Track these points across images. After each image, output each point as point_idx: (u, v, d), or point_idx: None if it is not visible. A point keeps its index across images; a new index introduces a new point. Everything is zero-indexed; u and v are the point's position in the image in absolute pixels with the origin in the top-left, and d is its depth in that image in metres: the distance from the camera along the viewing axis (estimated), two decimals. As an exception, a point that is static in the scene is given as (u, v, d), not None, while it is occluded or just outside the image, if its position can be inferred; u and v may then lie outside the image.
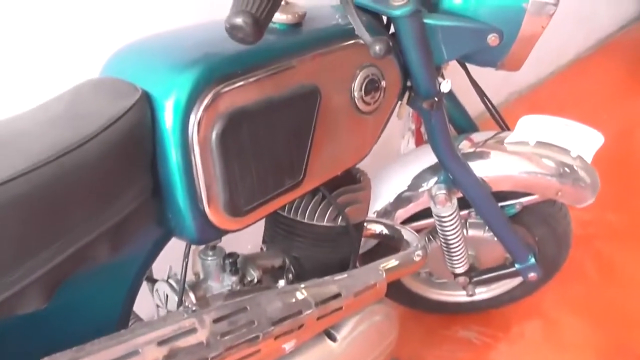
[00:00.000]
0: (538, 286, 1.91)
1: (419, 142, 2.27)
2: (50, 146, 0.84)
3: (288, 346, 1.14)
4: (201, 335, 1.00)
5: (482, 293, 1.92)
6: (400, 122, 1.70)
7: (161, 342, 0.97)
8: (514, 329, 1.96)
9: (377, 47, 1.02)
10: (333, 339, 1.26)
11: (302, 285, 1.17)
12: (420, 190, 1.60)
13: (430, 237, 1.75)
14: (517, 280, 1.88)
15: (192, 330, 1.00)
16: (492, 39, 1.29)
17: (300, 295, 1.14)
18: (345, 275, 1.24)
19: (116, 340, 0.94)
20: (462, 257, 1.66)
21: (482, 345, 1.90)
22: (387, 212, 1.61)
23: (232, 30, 0.88)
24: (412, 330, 1.93)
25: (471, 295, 1.81)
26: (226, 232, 1.07)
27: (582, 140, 1.59)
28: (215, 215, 1.03)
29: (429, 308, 1.97)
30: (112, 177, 0.93)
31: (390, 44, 1.03)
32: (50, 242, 0.86)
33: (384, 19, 1.28)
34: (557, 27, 2.64)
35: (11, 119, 0.96)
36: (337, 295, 1.19)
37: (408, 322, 1.94)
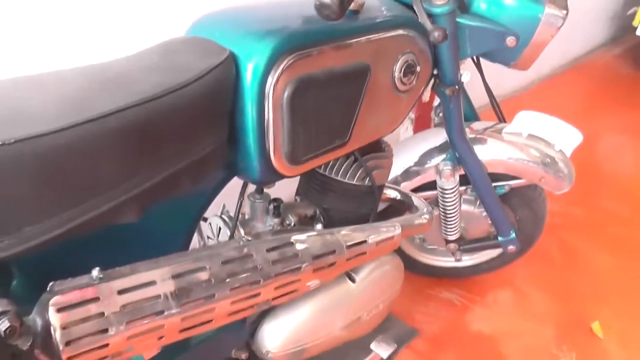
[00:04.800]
0: (512, 259, 1.98)
1: (416, 129, 2.33)
2: (149, 88, 0.89)
3: (312, 284, 1.17)
4: (256, 261, 1.04)
5: (465, 261, 1.99)
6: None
7: (225, 262, 1.01)
8: (489, 296, 2.02)
9: (436, 34, 1.09)
10: (352, 280, 1.32)
11: (337, 230, 1.20)
12: (427, 165, 1.64)
13: (433, 211, 1.78)
14: (496, 252, 1.95)
15: (249, 256, 1.04)
16: (510, 41, 1.35)
17: (335, 238, 1.18)
18: (370, 226, 1.28)
19: (185, 257, 0.99)
20: (456, 225, 1.72)
21: (462, 307, 1.97)
22: (396, 183, 1.65)
23: (321, 7, 0.94)
24: (404, 289, 1.93)
25: (458, 260, 1.86)
26: (283, 177, 1.11)
27: (565, 137, 1.66)
28: (278, 162, 1.07)
29: (419, 270, 2.02)
30: (198, 121, 0.98)
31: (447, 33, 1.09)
32: (146, 168, 0.91)
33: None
34: None
35: (110, 63, 1.00)
36: (363, 242, 1.23)
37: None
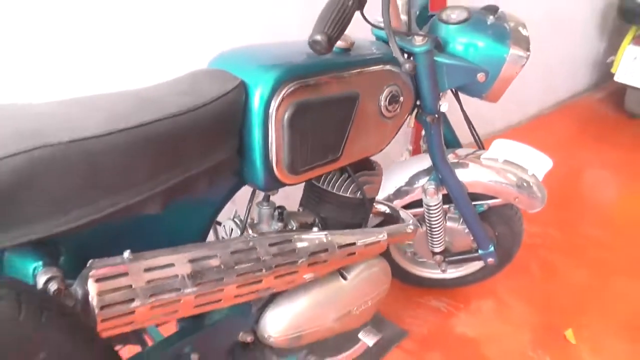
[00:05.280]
0: (494, 273, 2.05)
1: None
2: (174, 107, 1.02)
3: (308, 277, 1.26)
4: (259, 252, 1.15)
5: (452, 273, 2.06)
6: (400, 145, 1.85)
7: (233, 252, 1.12)
8: (473, 304, 2.09)
9: (407, 65, 1.20)
10: (344, 277, 1.40)
11: (331, 232, 1.29)
12: (415, 186, 1.72)
13: (419, 224, 1.80)
14: (479, 265, 2.01)
15: (254, 249, 1.15)
16: (481, 76, 1.44)
17: (328, 239, 1.27)
18: (360, 231, 1.37)
19: (200, 247, 1.10)
20: (441, 239, 1.79)
21: (448, 313, 2.04)
22: (389, 200, 1.73)
23: (313, 43, 1.06)
24: (397, 296, 2.07)
25: (444, 271, 1.94)
26: (284, 184, 1.21)
27: (537, 163, 1.73)
28: (279, 171, 1.17)
29: (411, 281, 2.09)
30: (212, 135, 1.09)
31: (416, 64, 1.20)
32: (170, 169, 1.03)
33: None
34: (525, 86, 2.74)
35: (146, 88, 1.12)
36: (353, 244, 1.32)
37: (394, 290, 2.02)
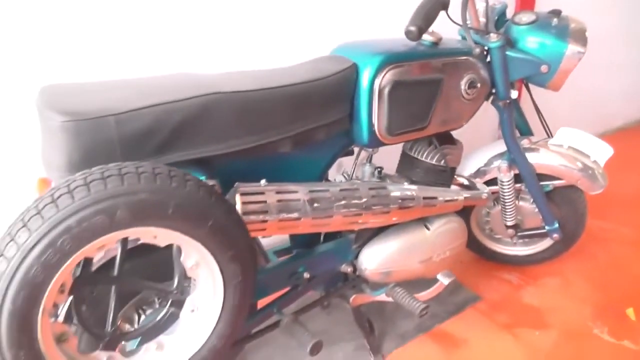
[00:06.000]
0: (561, 252, 2.16)
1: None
2: (307, 77, 1.31)
3: (396, 219, 1.48)
4: (361, 193, 1.40)
5: (524, 251, 2.18)
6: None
7: (341, 190, 1.38)
8: (540, 279, 2.19)
9: (477, 50, 1.43)
10: (428, 228, 1.61)
11: (418, 187, 1.53)
12: (492, 166, 1.90)
13: (495, 203, 2.01)
14: (547, 244, 2.12)
15: (357, 190, 1.40)
16: (544, 68, 1.63)
17: (414, 192, 1.50)
18: (442, 189, 1.58)
19: (318, 183, 1.37)
20: (513, 212, 1.94)
21: (518, 285, 2.16)
22: (472, 177, 1.90)
23: (407, 32, 1.32)
24: (475, 268, 2.23)
25: (515, 244, 2.09)
26: (383, 144, 1.45)
27: (599, 150, 1.86)
28: (379, 133, 1.42)
29: (488, 256, 2.22)
30: (332, 98, 1.37)
31: (484, 51, 1.41)
32: (298, 120, 1.31)
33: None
34: (609, 99, 2.71)
35: (287, 67, 1.42)
36: (434, 198, 1.54)
37: (472, 262, 2.26)
